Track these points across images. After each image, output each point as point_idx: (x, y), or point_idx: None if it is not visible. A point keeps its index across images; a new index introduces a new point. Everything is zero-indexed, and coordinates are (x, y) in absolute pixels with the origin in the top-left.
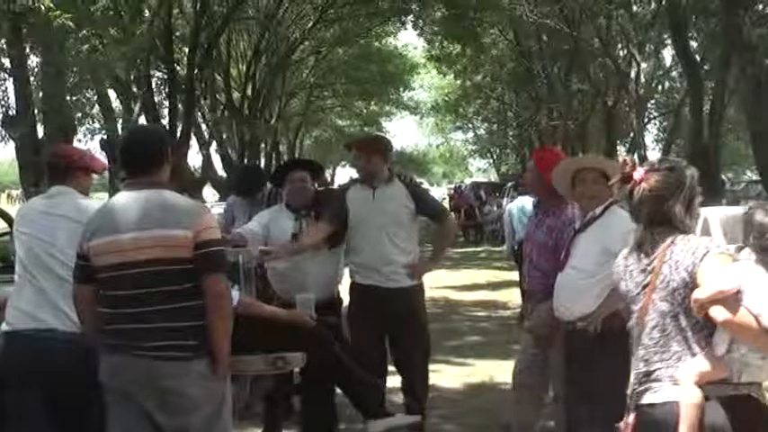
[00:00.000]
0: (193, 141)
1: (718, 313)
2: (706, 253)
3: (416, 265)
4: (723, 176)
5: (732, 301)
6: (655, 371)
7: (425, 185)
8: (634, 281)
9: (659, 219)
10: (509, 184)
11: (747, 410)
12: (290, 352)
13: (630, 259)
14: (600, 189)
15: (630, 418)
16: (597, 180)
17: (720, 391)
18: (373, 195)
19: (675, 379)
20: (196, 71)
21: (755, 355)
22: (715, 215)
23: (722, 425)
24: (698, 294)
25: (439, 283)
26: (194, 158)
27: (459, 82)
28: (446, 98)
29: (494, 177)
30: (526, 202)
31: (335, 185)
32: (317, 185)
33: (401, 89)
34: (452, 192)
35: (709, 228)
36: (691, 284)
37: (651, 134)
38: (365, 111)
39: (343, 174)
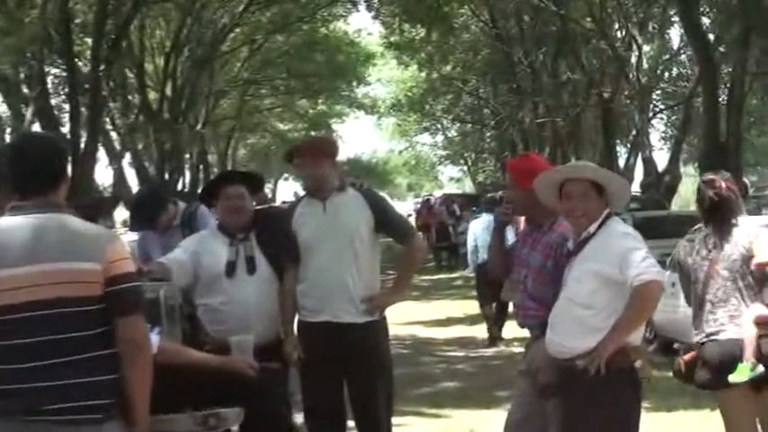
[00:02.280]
0: (101, 153)
1: None
2: (759, 233)
3: (377, 297)
4: (745, 180)
5: None
6: (719, 318)
7: (387, 199)
8: (700, 255)
9: (729, 216)
10: (488, 196)
11: None
12: (224, 407)
13: (697, 241)
14: (590, 204)
15: (687, 355)
16: (587, 194)
17: None
18: (324, 208)
19: (737, 323)
20: (102, 67)
21: None
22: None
23: None
24: (759, 259)
25: (405, 318)
26: (103, 174)
27: (424, 74)
28: (409, 94)
29: (469, 188)
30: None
31: (278, 203)
32: (255, 203)
33: (354, 84)
34: (420, 206)
35: None
36: (747, 257)
37: (657, 131)
38: (311, 111)
39: (286, 188)
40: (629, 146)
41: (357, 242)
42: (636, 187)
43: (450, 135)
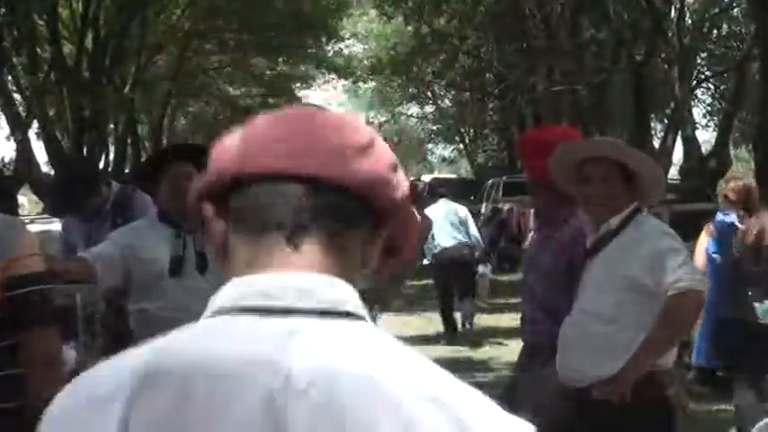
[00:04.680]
0: (1, 120)
1: None
2: None
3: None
4: None
5: None
6: None
7: None
8: None
9: None
10: (489, 183)
11: None
12: None
13: None
14: (613, 191)
15: None
16: (608, 176)
17: None
18: None
19: None
20: (2, 11)
21: None
22: None
23: None
24: None
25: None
26: (3, 147)
27: (410, 28)
28: (392, 53)
29: (466, 171)
30: (459, 210)
31: None
32: None
33: (324, 40)
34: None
35: None
36: None
37: (702, 104)
38: (269, 73)
39: None
40: (666, 122)
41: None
42: (674, 173)
43: (442, 105)
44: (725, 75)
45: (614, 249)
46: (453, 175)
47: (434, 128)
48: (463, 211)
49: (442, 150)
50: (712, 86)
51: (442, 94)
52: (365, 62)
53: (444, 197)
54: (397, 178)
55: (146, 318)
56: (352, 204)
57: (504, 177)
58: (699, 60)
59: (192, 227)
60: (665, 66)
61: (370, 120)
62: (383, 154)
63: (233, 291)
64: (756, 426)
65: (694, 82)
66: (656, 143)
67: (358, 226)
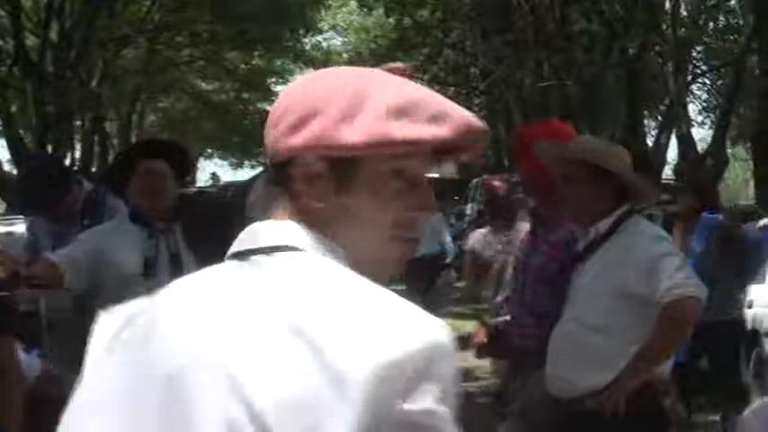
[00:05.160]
0: None
1: None
2: None
3: None
4: None
5: None
6: None
7: None
8: None
9: None
10: (475, 182)
11: None
12: None
13: None
14: (584, 192)
15: None
16: (579, 178)
17: None
18: None
19: None
20: None
21: None
22: None
23: None
24: None
25: None
26: None
27: (392, 20)
28: (373, 46)
29: (450, 171)
30: (433, 216)
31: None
32: (186, 184)
33: (302, 32)
34: None
35: None
36: None
37: (698, 100)
38: (243, 67)
39: (210, 168)
40: (660, 119)
41: None
42: (669, 173)
43: None
44: (722, 69)
45: (605, 254)
46: (437, 175)
47: None
48: (436, 216)
49: None
50: (708, 82)
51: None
52: (344, 56)
53: None
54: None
55: None
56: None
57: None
58: (694, 54)
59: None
60: (660, 60)
61: None
62: None
63: None
64: (749, 408)
65: (690, 77)
66: (650, 141)
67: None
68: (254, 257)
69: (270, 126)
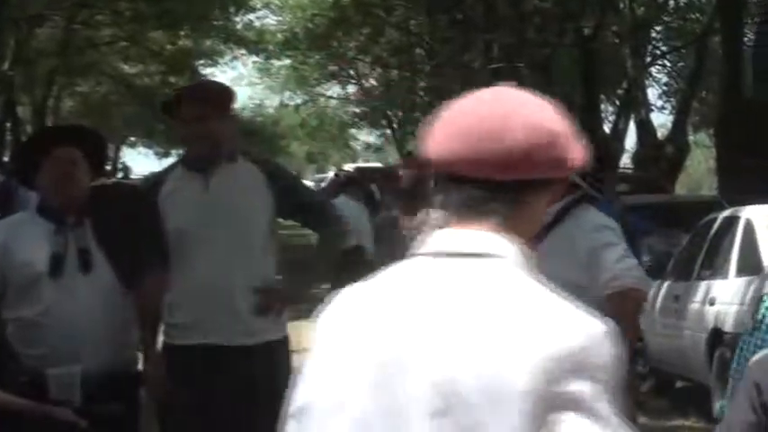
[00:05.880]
0: None
1: None
2: None
3: (276, 290)
4: None
5: None
6: None
7: (294, 173)
8: None
9: None
10: (343, 175)
11: None
12: None
13: None
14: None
15: None
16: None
17: None
18: (206, 185)
19: None
20: None
21: None
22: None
23: None
24: None
25: (307, 342)
26: None
27: None
28: (310, 26)
29: (394, 160)
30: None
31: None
32: (104, 175)
33: (232, 11)
34: (325, 186)
35: (754, 233)
36: None
37: (658, 84)
38: (169, 48)
39: (135, 158)
40: (617, 104)
41: (253, 234)
42: (627, 161)
43: (367, 85)
44: (683, 51)
45: (549, 246)
46: (380, 164)
47: (358, 110)
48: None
49: (367, 136)
50: (669, 64)
51: (367, 72)
52: (279, 36)
53: (347, 194)
54: None
55: (21, 326)
56: None
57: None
58: (654, 35)
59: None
60: (617, 41)
61: (285, 102)
62: None
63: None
64: (753, 359)
65: (649, 59)
66: (607, 127)
67: None
68: (460, 260)
69: (494, 143)
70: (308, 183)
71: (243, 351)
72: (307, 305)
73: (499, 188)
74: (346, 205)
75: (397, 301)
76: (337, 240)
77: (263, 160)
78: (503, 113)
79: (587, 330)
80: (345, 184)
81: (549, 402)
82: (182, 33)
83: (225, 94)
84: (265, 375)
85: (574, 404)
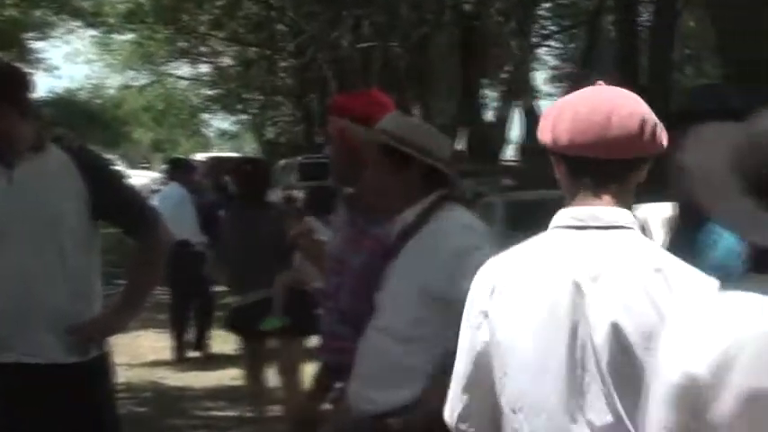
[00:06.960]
0: None
1: None
2: None
3: (93, 322)
4: None
5: None
6: None
7: (114, 166)
8: None
9: None
10: (282, 164)
11: None
12: None
13: None
14: (384, 176)
15: None
16: (383, 160)
17: None
18: (9, 179)
19: None
20: None
21: None
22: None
23: None
24: None
25: (143, 356)
26: None
27: None
28: None
29: (252, 149)
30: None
31: None
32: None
33: None
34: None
35: (650, 233)
36: None
37: (545, 67)
38: None
39: None
40: (502, 89)
41: (64, 234)
42: (512, 153)
43: (221, 64)
44: (574, 30)
45: (410, 252)
46: (235, 154)
47: (211, 93)
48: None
49: (221, 122)
50: (559, 46)
51: (221, 50)
52: (121, 8)
53: (179, 181)
54: None
55: None
56: None
57: (301, 158)
58: (541, 12)
59: None
60: (501, 19)
61: (128, 83)
62: None
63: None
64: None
65: (536, 39)
66: (490, 115)
67: None
68: (605, 231)
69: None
70: (157, 174)
71: (55, 371)
72: (147, 313)
73: (620, 166)
74: (173, 193)
75: (565, 264)
76: (156, 255)
77: (78, 148)
78: (620, 105)
79: (708, 285)
80: (175, 169)
81: None
82: (7, 2)
83: (10, 78)
84: (80, 398)
85: None
